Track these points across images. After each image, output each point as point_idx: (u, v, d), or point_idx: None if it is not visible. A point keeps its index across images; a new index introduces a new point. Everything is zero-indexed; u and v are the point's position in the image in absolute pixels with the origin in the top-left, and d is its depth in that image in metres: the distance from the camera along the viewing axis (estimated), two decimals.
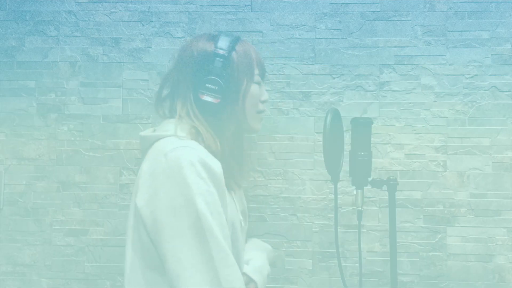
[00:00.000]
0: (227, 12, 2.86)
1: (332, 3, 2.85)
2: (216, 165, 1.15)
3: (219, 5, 2.87)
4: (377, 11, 2.83)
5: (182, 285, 1.06)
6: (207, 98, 1.21)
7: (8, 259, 2.82)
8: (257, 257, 1.33)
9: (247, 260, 1.29)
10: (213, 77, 1.21)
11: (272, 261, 1.40)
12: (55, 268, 2.81)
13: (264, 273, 1.29)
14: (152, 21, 2.89)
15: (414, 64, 2.79)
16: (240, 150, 1.33)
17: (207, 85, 1.21)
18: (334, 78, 2.83)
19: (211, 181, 1.12)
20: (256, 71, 1.27)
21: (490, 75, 2.75)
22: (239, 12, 2.87)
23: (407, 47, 2.80)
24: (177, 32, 2.88)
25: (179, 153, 1.12)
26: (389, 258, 1.58)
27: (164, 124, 1.26)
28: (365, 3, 2.84)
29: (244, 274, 1.22)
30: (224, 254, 1.09)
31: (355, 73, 2.82)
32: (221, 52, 1.23)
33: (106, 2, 2.90)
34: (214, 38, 1.26)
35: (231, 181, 1.27)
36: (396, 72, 2.80)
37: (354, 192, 1.55)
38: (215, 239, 1.08)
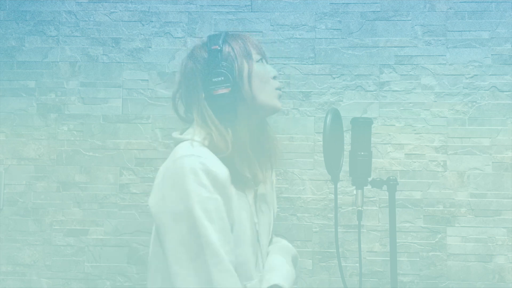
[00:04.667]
0: (227, 12, 2.86)
1: (332, 3, 2.85)
2: (221, 172, 1.21)
3: (219, 5, 2.87)
4: (377, 11, 2.83)
5: (178, 285, 1.15)
6: (219, 91, 1.23)
7: (8, 259, 2.82)
8: (282, 263, 1.39)
9: (273, 267, 1.33)
10: (216, 70, 1.27)
11: (296, 263, 1.43)
12: (55, 268, 2.81)
13: (291, 279, 1.35)
14: (152, 21, 2.88)
15: (414, 64, 2.79)
16: (262, 142, 1.36)
17: (213, 79, 1.26)
18: (334, 78, 2.83)
19: (215, 188, 1.19)
20: (254, 51, 1.31)
21: (490, 75, 2.75)
22: (239, 12, 2.87)
23: (407, 47, 2.80)
24: (177, 32, 2.88)
25: (184, 161, 1.19)
26: (389, 258, 1.58)
27: (189, 128, 1.33)
28: (365, 3, 2.84)
29: (275, 285, 1.29)
30: (218, 259, 1.16)
31: (355, 73, 2.82)
32: (214, 47, 1.29)
33: (106, 2, 2.90)
34: (203, 42, 1.33)
35: (250, 180, 1.29)
36: (396, 72, 2.80)
37: (354, 192, 1.54)
38: (209, 246, 1.16)
